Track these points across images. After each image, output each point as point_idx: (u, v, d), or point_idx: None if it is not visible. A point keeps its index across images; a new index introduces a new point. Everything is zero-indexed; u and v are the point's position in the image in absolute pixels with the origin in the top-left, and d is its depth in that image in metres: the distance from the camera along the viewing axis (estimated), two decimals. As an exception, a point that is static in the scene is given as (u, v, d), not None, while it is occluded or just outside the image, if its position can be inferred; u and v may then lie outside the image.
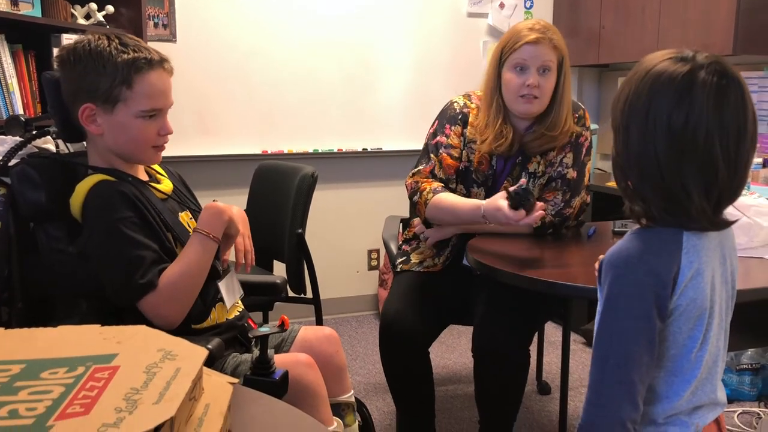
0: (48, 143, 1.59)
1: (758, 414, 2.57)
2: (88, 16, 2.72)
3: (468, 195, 2.06)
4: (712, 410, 1.06)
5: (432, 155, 2.07)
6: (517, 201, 1.74)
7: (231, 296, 1.59)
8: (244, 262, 1.57)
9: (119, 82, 1.38)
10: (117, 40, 1.41)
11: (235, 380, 0.90)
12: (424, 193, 2.02)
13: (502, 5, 3.85)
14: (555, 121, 1.97)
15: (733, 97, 0.96)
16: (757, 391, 2.73)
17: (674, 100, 0.96)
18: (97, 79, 1.38)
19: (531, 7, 3.92)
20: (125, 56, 1.39)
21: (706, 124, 0.94)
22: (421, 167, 2.09)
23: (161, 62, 1.44)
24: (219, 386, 0.86)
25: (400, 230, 2.66)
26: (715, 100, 0.95)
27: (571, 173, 2.03)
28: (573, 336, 3.06)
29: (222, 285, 1.55)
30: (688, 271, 0.98)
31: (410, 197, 2.08)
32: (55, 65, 1.47)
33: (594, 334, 1.04)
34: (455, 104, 2.10)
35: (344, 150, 3.68)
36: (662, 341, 1.01)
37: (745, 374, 2.70)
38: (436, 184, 2.03)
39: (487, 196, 2.04)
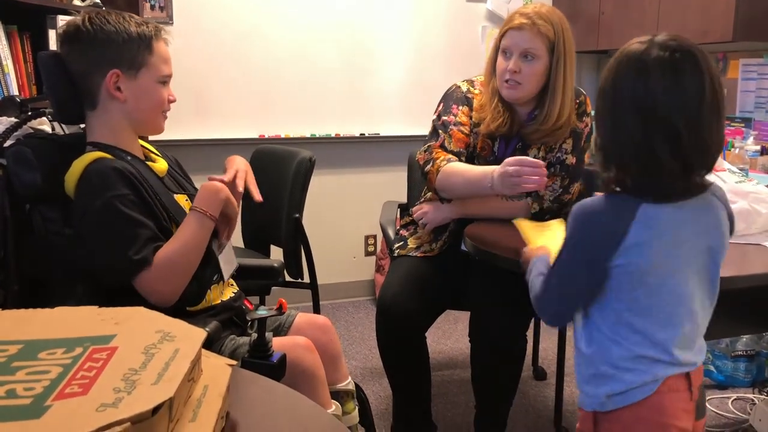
0: (44, 124, 1.58)
1: (752, 400, 2.58)
2: (83, -2, 2.69)
3: None
4: (671, 368, 1.15)
5: (441, 132, 2.02)
6: None
7: (228, 266, 1.59)
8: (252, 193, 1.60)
9: (144, 47, 1.45)
10: (126, 14, 1.48)
11: (234, 362, 0.89)
12: (438, 161, 1.97)
13: (501, -10, 3.83)
14: (548, 114, 1.93)
15: (688, 68, 1.08)
16: (752, 377, 2.75)
17: (634, 75, 1.09)
18: (123, 46, 1.43)
19: (530, -8, 3.89)
20: (143, 27, 1.46)
21: (665, 93, 1.07)
22: (431, 143, 2.03)
23: (162, 32, 1.52)
24: (217, 368, 0.86)
25: (398, 215, 2.66)
26: (670, 72, 1.07)
27: (570, 159, 2.02)
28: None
29: (221, 257, 1.55)
30: (634, 238, 1.10)
31: (422, 168, 2.01)
32: (60, 41, 1.47)
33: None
34: (460, 87, 2.09)
35: (342, 135, 3.67)
36: (604, 293, 1.17)
37: (740, 361, 2.72)
38: (451, 155, 1.98)
39: None
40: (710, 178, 1.18)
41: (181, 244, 1.41)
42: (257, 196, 1.61)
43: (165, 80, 1.51)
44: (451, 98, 2.07)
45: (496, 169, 1.78)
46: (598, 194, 1.19)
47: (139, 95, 1.47)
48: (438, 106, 2.10)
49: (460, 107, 2.04)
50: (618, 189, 1.15)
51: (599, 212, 1.15)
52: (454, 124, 2.02)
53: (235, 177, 1.57)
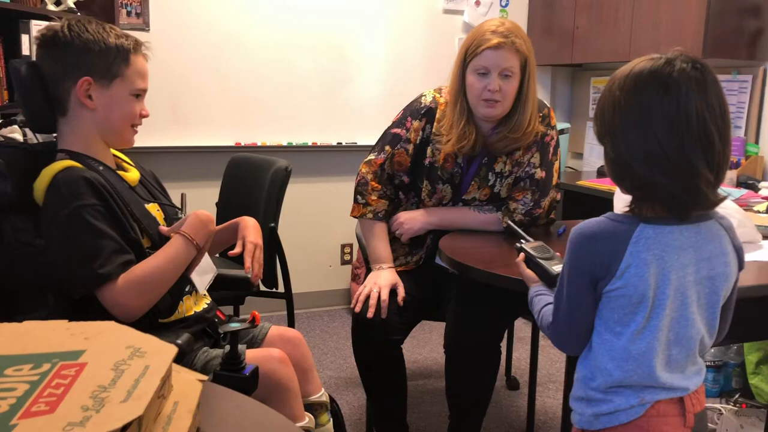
0: (15, 132, 1.56)
1: (720, 410, 2.63)
2: (58, 3, 2.66)
3: (434, 191, 2.08)
4: (661, 392, 1.16)
5: (387, 146, 2.10)
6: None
7: (205, 277, 1.59)
8: (252, 271, 1.60)
9: (120, 59, 1.45)
10: (107, 25, 1.48)
11: (205, 377, 0.89)
12: (368, 207, 2.10)
13: (477, 2, 3.87)
14: (518, 123, 1.96)
15: (710, 79, 1.09)
16: (719, 387, 2.80)
17: (662, 89, 1.08)
18: (99, 55, 1.43)
19: (507, 5, 3.94)
20: (122, 40, 1.46)
21: (695, 104, 1.06)
22: (373, 156, 2.12)
23: (142, 47, 1.52)
24: (188, 383, 0.85)
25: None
26: (696, 83, 1.07)
27: (540, 173, 2.04)
28: (542, 333, 3.10)
29: (196, 269, 1.54)
30: (631, 259, 1.10)
31: (356, 185, 2.13)
32: (37, 44, 1.46)
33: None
34: (423, 98, 2.11)
35: (319, 143, 3.67)
36: (599, 318, 1.17)
37: (707, 371, 2.76)
38: (382, 206, 2.10)
39: (454, 193, 2.07)
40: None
41: (161, 263, 1.40)
42: (256, 280, 1.63)
43: (139, 94, 1.50)
44: (409, 110, 2.11)
45: (386, 266, 2.06)
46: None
47: (110, 105, 1.46)
48: (400, 112, 2.14)
49: (414, 121, 2.07)
50: (628, 208, 1.14)
51: (596, 235, 1.14)
52: (404, 141, 2.07)
53: (250, 248, 1.61)
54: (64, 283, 1.36)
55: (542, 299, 1.33)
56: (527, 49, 1.93)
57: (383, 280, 2.00)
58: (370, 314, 1.92)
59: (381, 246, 2.09)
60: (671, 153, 1.07)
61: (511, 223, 1.79)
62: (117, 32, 1.47)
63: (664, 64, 1.09)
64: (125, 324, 0.89)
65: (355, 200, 2.12)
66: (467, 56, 1.95)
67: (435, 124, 2.06)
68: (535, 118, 2.00)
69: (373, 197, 2.10)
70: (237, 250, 1.61)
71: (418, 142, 2.07)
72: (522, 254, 1.45)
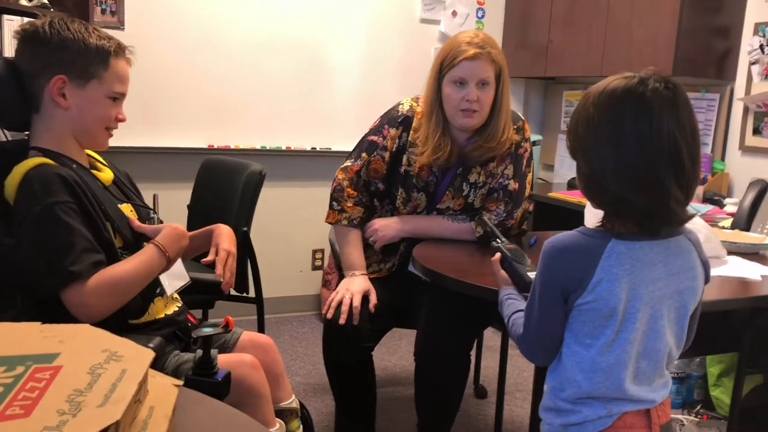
0: (-15, 129, 1.53)
1: (682, 421, 2.68)
2: (31, -2, 2.62)
3: (408, 199, 2.09)
4: (628, 404, 1.18)
5: (364, 153, 2.10)
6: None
7: (176, 281, 1.58)
8: (223, 278, 1.59)
9: (99, 61, 1.43)
10: (90, 26, 1.46)
11: (180, 382, 0.88)
12: (343, 214, 2.10)
13: (454, 13, 3.91)
14: (493, 132, 2.00)
15: (681, 99, 1.11)
16: (682, 398, 2.86)
17: (635, 108, 1.09)
18: (77, 54, 1.41)
19: (483, 17, 3.99)
20: (104, 41, 1.44)
21: (667, 124, 1.08)
22: (349, 163, 2.12)
23: (126, 51, 1.51)
24: (164, 388, 0.85)
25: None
26: (668, 103, 1.09)
27: (513, 185, 2.07)
28: (511, 341, 3.13)
29: (166, 273, 1.53)
30: (602, 273, 1.12)
31: (332, 192, 2.13)
32: (18, 39, 1.43)
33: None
34: (401, 106, 2.12)
35: (293, 148, 3.66)
36: (568, 331, 1.18)
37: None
38: (357, 213, 2.10)
39: (429, 202, 2.09)
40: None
41: (132, 268, 1.38)
42: (226, 287, 1.62)
43: (116, 97, 1.48)
44: (386, 118, 2.13)
45: (358, 273, 2.05)
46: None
47: (84, 106, 1.44)
48: (377, 119, 2.15)
49: (391, 129, 2.09)
50: (600, 224, 1.16)
51: (569, 249, 1.15)
52: (380, 149, 2.08)
53: (222, 256, 1.61)
54: (33, 281, 1.34)
55: (513, 304, 1.35)
56: (501, 60, 1.98)
57: (356, 286, 2.00)
58: (341, 321, 1.92)
59: (355, 253, 2.09)
60: (642, 171, 1.08)
61: (488, 221, 1.83)
62: (100, 34, 1.45)
63: (637, 83, 1.11)
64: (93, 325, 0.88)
65: (331, 206, 2.12)
66: (443, 68, 1.97)
67: (411, 132, 2.07)
68: (509, 127, 2.04)
69: (349, 204, 2.10)
70: (210, 257, 1.61)
71: (394, 149, 2.08)
72: (498, 254, 1.45)
